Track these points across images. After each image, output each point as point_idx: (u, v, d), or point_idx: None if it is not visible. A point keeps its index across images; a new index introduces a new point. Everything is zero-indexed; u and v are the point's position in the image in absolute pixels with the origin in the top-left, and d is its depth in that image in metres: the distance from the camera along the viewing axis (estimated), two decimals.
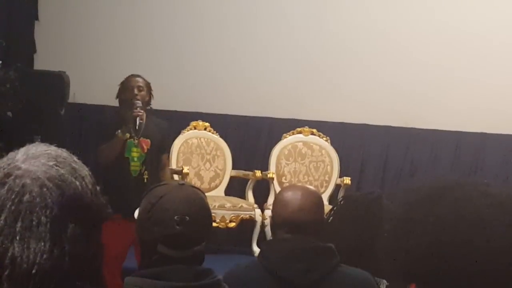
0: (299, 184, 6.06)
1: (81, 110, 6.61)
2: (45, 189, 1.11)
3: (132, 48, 6.88)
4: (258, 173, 6.54)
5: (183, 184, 2.22)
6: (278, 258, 2.41)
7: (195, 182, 6.40)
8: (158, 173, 4.99)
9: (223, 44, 7.02)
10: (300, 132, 6.87)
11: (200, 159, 6.66)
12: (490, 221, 1.33)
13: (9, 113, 5.44)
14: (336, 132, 6.97)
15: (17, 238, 1.08)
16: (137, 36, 6.94)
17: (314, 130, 6.89)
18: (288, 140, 6.85)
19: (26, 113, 5.47)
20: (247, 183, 6.64)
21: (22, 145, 1.20)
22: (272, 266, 2.41)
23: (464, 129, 7.10)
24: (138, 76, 4.97)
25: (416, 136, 7.11)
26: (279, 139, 6.84)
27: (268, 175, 6.57)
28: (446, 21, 7.07)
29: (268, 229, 6.05)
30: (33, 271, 1.08)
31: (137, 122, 4.76)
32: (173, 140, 6.50)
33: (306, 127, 6.89)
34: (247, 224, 6.45)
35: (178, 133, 6.60)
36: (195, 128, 6.71)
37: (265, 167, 6.69)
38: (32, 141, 1.26)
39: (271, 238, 2.77)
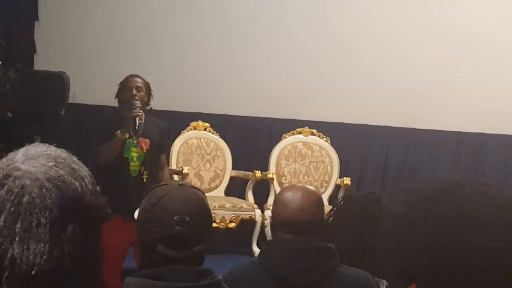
0: (299, 184, 6.06)
1: (81, 110, 6.61)
2: (44, 190, 1.11)
3: (132, 48, 6.88)
4: (258, 174, 6.54)
5: (183, 184, 2.22)
6: (278, 259, 2.41)
7: (195, 182, 6.40)
8: (157, 173, 5.00)
9: (223, 44, 7.02)
10: (300, 133, 6.88)
11: (200, 159, 6.66)
12: (490, 221, 1.33)
13: (9, 114, 5.44)
14: (336, 133, 6.97)
15: (17, 239, 1.08)
16: (137, 36, 6.94)
17: (314, 131, 6.89)
18: (288, 140, 6.85)
19: (26, 114, 5.47)
20: (247, 184, 6.64)
21: (22, 146, 1.20)
22: (272, 266, 2.41)
23: (464, 129, 7.10)
24: (137, 76, 4.97)
25: (416, 137, 7.12)
26: (279, 139, 6.84)
27: (268, 176, 6.57)
28: (446, 21, 7.07)
29: (268, 230, 6.05)
30: (33, 272, 1.07)
31: (137, 122, 4.77)
32: (173, 141, 6.51)
33: (306, 127, 6.89)
34: (247, 225, 6.45)
35: (178, 134, 6.61)
36: (195, 129, 6.71)
37: (265, 168, 6.69)
38: (32, 141, 1.25)
39: (271, 238, 2.77)
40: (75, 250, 1.11)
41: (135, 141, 4.85)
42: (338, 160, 6.83)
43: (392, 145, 7.14)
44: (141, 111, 4.81)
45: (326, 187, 6.76)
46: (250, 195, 6.56)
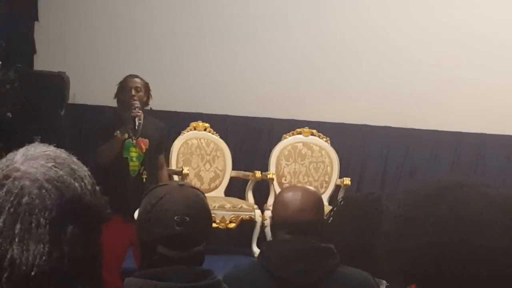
0: (299, 185, 6.06)
1: (81, 110, 6.61)
2: (44, 191, 1.11)
3: (132, 48, 6.88)
4: (258, 174, 6.54)
5: (183, 185, 2.22)
6: (278, 259, 2.41)
7: (195, 182, 6.40)
8: (156, 173, 5.00)
9: (223, 44, 7.02)
10: (300, 133, 6.88)
11: (200, 159, 6.66)
12: (490, 222, 1.33)
13: (9, 114, 5.44)
14: (336, 133, 6.97)
15: (16, 240, 1.08)
16: (137, 37, 6.94)
17: (314, 131, 6.89)
18: (288, 140, 6.85)
19: (26, 114, 5.47)
20: (247, 184, 6.64)
21: (22, 146, 1.19)
22: (272, 266, 2.41)
23: (464, 129, 7.11)
24: (136, 76, 4.97)
25: (416, 137, 7.12)
26: (279, 139, 6.84)
27: (268, 176, 6.57)
28: (446, 21, 7.07)
29: (268, 230, 6.05)
30: (32, 273, 1.07)
31: (136, 123, 4.77)
32: (173, 141, 6.51)
33: (306, 127, 6.89)
34: (247, 225, 6.45)
35: (178, 134, 6.61)
36: (195, 129, 6.71)
37: (265, 168, 6.69)
38: (32, 141, 1.25)
39: (271, 238, 2.77)
40: (75, 250, 1.11)
41: (134, 141, 4.85)
42: (338, 161, 6.83)
43: (392, 145, 7.14)
44: (141, 111, 4.81)
45: (326, 188, 6.76)
46: (250, 196, 6.56)
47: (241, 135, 7.00)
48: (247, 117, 6.97)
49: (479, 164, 7.18)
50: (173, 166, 6.40)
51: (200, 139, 6.70)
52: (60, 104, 5.69)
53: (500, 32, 7.08)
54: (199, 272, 2.06)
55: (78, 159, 1.20)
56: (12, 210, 1.09)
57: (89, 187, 1.17)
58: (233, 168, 6.73)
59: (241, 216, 6.36)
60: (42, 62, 6.54)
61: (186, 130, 6.66)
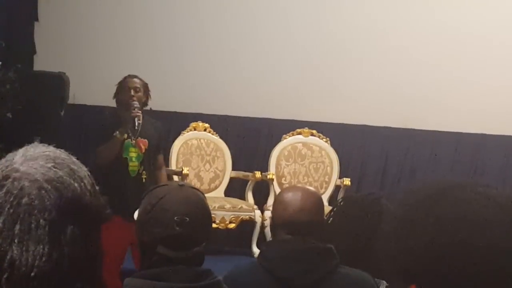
0: (299, 185, 6.06)
1: (81, 111, 6.61)
2: (43, 192, 1.11)
3: (132, 49, 6.88)
4: (258, 174, 6.54)
5: (183, 185, 2.22)
6: (278, 259, 2.41)
7: (195, 183, 6.40)
8: (155, 174, 5.01)
9: (223, 44, 7.02)
10: (300, 133, 6.88)
11: (200, 160, 6.66)
12: (489, 222, 1.33)
13: (9, 114, 5.44)
14: (336, 133, 6.97)
15: (16, 241, 1.08)
16: (137, 37, 6.94)
17: (314, 131, 6.89)
18: (288, 141, 6.85)
19: (26, 114, 5.48)
20: (247, 184, 6.64)
21: (22, 146, 1.19)
22: (272, 267, 2.41)
23: (464, 130, 7.11)
24: (135, 76, 4.97)
25: (416, 137, 7.12)
26: (279, 140, 6.84)
27: (268, 176, 6.57)
28: (445, 21, 7.07)
29: (268, 230, 6.05)
30: (32, 274, 1.07)
31: (136, 123, 4.77)
32: (173, 141, 6.51)
33: (306, 128, 6.89)
34: (247, 225, 6.45)
35: (178, 134, 6.61)
36: (195, 129, 6.71)
37: (265, 168, 6.69)
38: (31, 142, 1.25)
39: (271, 239, 2.77)
40: (75, 251, 1.11)
41: (134, 142, 4.85)
42: (338, 161, 6.83)
43: (392, 145, 7.14)
44: (140, 112, 4.81)
45: (326, 188, 6.76)
46: (250, 196, 6.56)
47: (241, 135, 7.00)
48: (247, 117, 6.97)
49: (479, 164, 7.17)
50: (173, 166, 6.40)
51: (200, 140, 6.70)
52: (60, 105, 5.70)
53: (500, 32, 7.08)
54: (199, 272, 2.06)
55: (77, 159, 1.20)
56: (11, 211, 1.09)
57: (88, 187, 1.17)
58: (233, 169, 6.73)
59: (241, 217, 6.36)
60: (42, 62, 6.54)
61: (186, 130, 6.66)
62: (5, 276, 1.07)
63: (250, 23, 7.05)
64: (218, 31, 7.01)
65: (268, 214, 6.11)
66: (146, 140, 4.91)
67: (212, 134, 6.74)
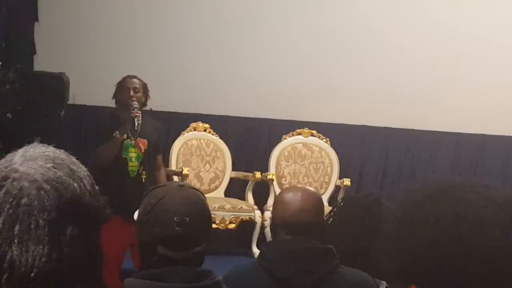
0: (299, 185, 6.06)
1: (81, 111, 6.61)
2: (42, 192, 1.11)
3: (132, 49, 6.87)
4: (258, 175, 6.54)
5: (183, 185, 2.22)
6: (278, 259, 2.41)
7: (195, 183, 6.40)
8: (154, 174, 5.01)
9: (223, 45, 7.02)
10: (300, 134, 6.88)
11: (200, 160, 6.66)
12: (489, 222, 1.33)
13: (9, 114, 5.44)
14: (336, 134, 6.97)
15: (16, 241, 1.08)
16: (137, 37, 6.94)
17: (314, 132, 6.89)
18: (288, 141, 6.85)
19: (26, 115, 5.47)
20: (247, 185, 6.64)
21: (22, 147, 1.19)
22: (272, 267, 2.40)
23: (464, 130, 7.11)
24: (134, 77, 4.97)
25: (416, 138, 7.12)
26: (278, 140, 6.84)
27: (268, 177, 6.57)
28: (445, 22, 7.07)
29: (267, 231, 6.05)
30: (32, 275, 1.07)
31: (135, 123, 4.77)
32: (173, 142, 6.51)
33: (306, 128, 6.89)
34: (247, 226, 6.45)
35: (178, 135, 6.61)
36: (195, 130, 6.71)
37: (265, 169, 6.69)
38: (31, 142, 1.25)
39: (271, 239, 2.77)
40: (74, 251, 1.11)
41: (133, 142, 4.85)
42: (338, 161, 6.83)
43: (391, 146, 7.14)
44: (139, 112, 4.82)
45: (326, 188, 6.76)
46: (250, 196, 6.56)
47: (241, 135, 7.00)
48: (247, 117, 6.97)
49: (479, 164, 7.18)
50: (173, 166, 6.40)
51: (200, 140, 6.70)
52: (60, 105, 5.69)
53: (500, 32, 7.08)
54: (199, 272, 2.06)
55: (77, 159, 1.20)
56: (11, 211, 1.09)
57: (88, 187, 1.17)
58: (233, 169, 6.73)
59: (241, 217, 6.36)
60: (42, 62, 6.53)
61: (186, 130, 6.66)
62: (5, 276, 1.07)
63: (250, 23, 7.05)
64: (218, 31, 7.01)
65: (268, 214, 6.11)
66: (145, 140, 4.91)
67: (212, 134, 6.74)
